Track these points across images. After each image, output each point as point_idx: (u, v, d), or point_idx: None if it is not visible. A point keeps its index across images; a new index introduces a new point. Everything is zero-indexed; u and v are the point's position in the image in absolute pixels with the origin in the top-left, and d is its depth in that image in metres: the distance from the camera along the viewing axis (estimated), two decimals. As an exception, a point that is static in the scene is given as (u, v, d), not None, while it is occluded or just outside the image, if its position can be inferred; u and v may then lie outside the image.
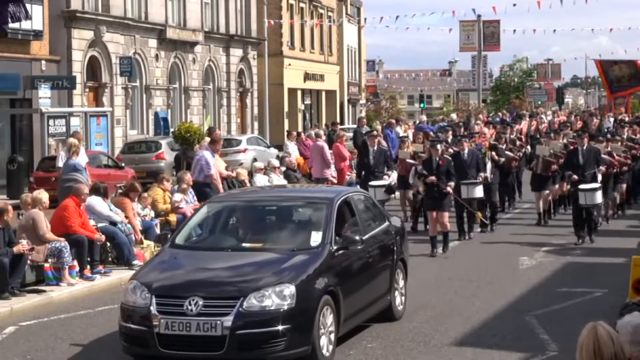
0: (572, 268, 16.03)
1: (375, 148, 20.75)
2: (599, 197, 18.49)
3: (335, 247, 10.59)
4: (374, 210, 12.67)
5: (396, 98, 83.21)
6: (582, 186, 18.37)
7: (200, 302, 9.53)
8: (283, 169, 24.03)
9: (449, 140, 22.15)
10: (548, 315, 12.46)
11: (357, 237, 10.90)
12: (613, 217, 21.94)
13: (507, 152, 22.08)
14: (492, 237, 19.63)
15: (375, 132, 22.56)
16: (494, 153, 21.14)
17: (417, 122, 36.64)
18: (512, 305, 13.31)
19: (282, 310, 9.57)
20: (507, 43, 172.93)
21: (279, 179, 22.35)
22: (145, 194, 17.97)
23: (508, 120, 32.59)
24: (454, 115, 44.35)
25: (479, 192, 19.20)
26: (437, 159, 17.84)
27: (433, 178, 17.55)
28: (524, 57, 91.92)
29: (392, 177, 20.80)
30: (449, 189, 17.59)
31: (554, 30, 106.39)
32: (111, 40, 38.13)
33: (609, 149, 20.74)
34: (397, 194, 21.96)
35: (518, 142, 24.14)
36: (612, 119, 36.52)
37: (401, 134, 27.55)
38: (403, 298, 12.50)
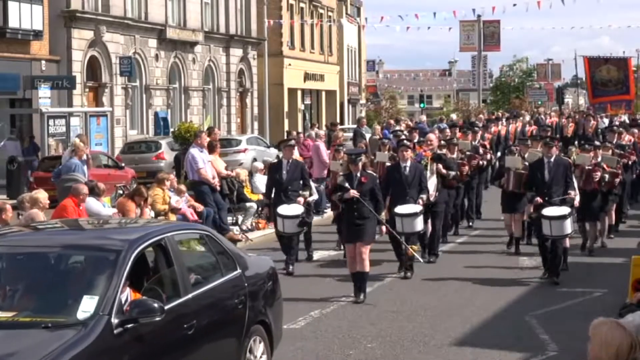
0: (572, 268, 16.00)
1: (290, 161, 16.35)
2: (568, 227, 14.70)
3: (117, 321, 7.05)
4: (216, 255, 8.86)
5: (396, 98, 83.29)
6: (546, 212, 14.73)
7: None
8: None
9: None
10: (548, 315, 12.48)
11: (156, 305, 7.22)
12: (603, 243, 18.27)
13: (458, 162, 18.51)
14: (491, 238, 19.58)
15: (292, 142, 17.44)
16: (440, 166, 16.92)
17: (417, 122, 36.50)
18: (512, 305, 13.31)
19: None
20: (507, 43, 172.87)
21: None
22: (146, 196, 17.95)
23: (470, 122, 28.85)
24: (453, 116, 44.31)
25: (419, 224, 15.07)
26: (358, 174, 13.92)
27: (334, 212, 14.32)
28: (524, 57, 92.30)
29: (312, 197, 17.14)
30: (383, 225, 14.28)
31: (553, 28, 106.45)
32: (111, 40, 38.13)
33: (599, 158, 17.51)
34: (331, 212, 18.02)
35: (481, 150, 20.94)
36: (606, 120, 36.01)
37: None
38: None
